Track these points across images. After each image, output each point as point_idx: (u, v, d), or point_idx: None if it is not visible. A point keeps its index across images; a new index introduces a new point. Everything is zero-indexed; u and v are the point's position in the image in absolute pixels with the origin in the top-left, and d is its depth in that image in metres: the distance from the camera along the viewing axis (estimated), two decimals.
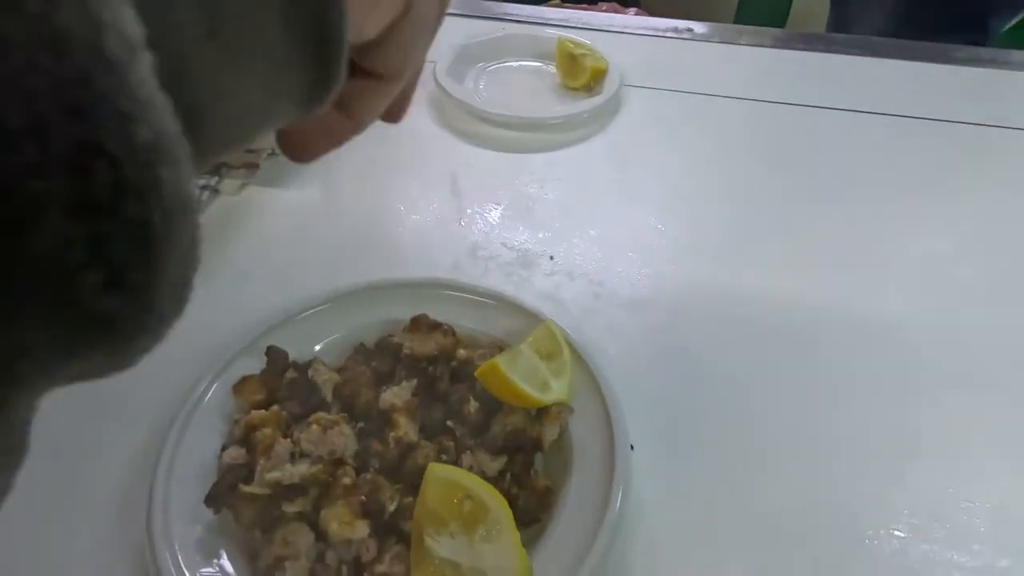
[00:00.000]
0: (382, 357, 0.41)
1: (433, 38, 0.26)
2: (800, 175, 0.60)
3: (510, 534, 0.31)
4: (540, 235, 0.54)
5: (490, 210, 0.56)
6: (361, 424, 0.38)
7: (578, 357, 0.40)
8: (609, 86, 0.67)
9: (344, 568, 0.32)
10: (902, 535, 0.36)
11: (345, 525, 0.32)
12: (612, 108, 0.67)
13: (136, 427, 0.39)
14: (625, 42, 0.78)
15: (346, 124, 0.25)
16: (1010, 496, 0.38)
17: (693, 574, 0.35)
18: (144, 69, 0.12)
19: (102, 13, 0.12)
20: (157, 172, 0.13)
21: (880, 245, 0.53)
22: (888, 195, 0.58)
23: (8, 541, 0.35)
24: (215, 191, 0.57)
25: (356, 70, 0.23)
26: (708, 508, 0.37)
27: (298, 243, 0.54)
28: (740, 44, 0.78)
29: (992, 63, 0.73)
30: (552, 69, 0.72)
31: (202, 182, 0.56)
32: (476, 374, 0.38)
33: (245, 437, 0.35)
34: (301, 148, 0.25)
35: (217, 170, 0.58)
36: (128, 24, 0.12)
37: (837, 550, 0.35)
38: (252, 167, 0.59)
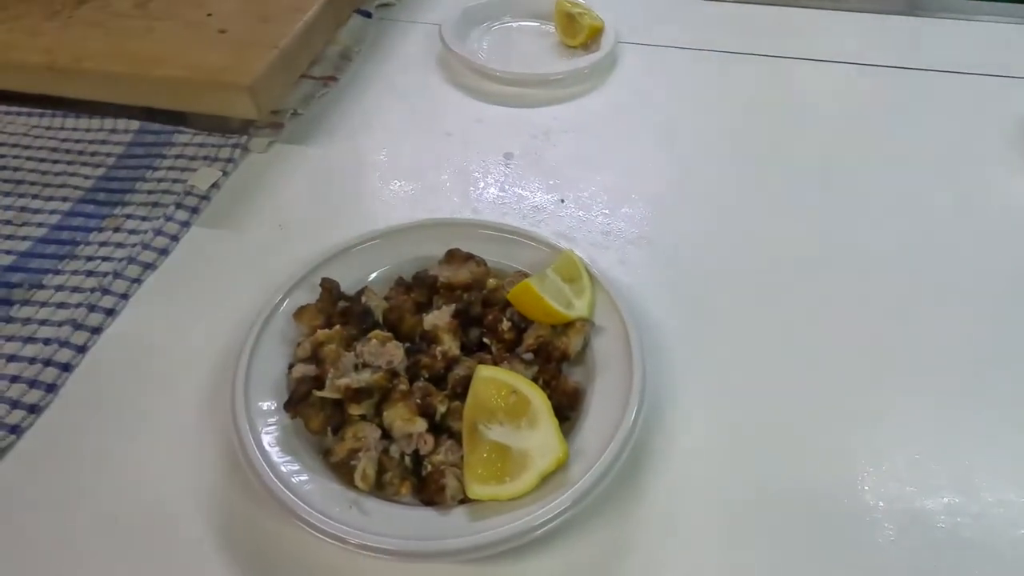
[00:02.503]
0: (420, 288, 0.46)
1: None
2: (787, 122, 0.65)
3: (550, 421, 0.37)
4: (550, 182, 0.59)
5: (502, 160, 0.61)
6: (407, 345, 0.43)
7: (596, 281, 0.45)
8: (606, 43, 0.71)
9: (406, 458, 0.38)
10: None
11: (406, 421, 0.38)
12: (609, 64, 0.71)
13: (205, 348, 0.45)
14: (619, 1, 0.82)
15: None
16: None
17: (703, 462, 0.40)
18: None
19: None
20: None
21: (869, 182, 0.58)
22: (873, 139, 0.63)
23: (104, 437, 0.40)
24: (245, 149, 0.61)
25: None
26: (715, 412, 0.43)
27: (323, 195, 0.58)
28: (728, 1, 0.82)
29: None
30: (551, 28, 0.76)
31: (232, 141, 0.60)
32: (508, 295, 0.43)
33: (313, 353, 0.40)
34: None
35: (245, 129, 0.62)
36: None
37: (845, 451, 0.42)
38: (278, 126, 0.63)
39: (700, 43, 0.74)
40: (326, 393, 0.38)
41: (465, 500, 0.36)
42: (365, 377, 0.38)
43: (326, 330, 0.40)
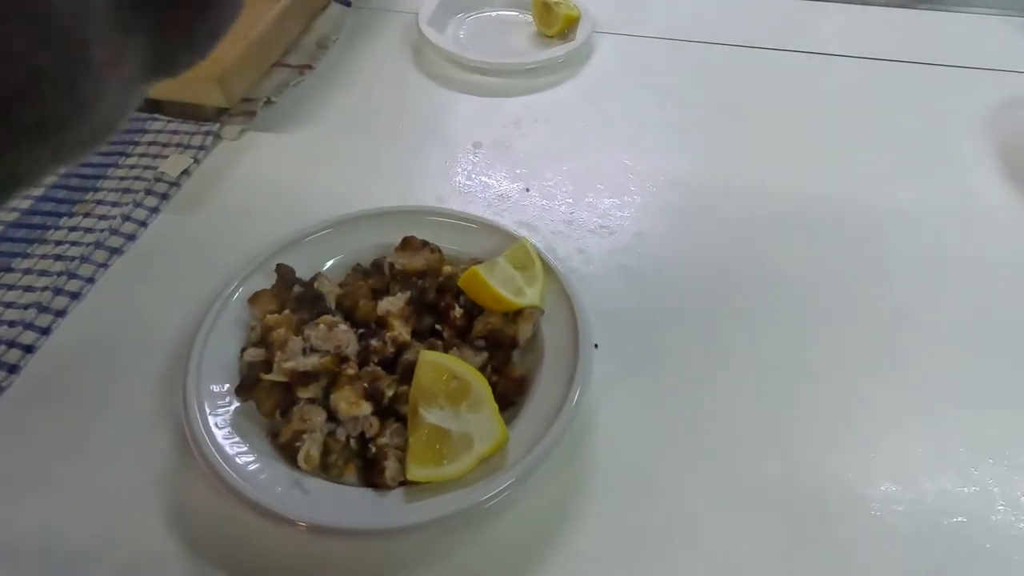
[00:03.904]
0: (377, 275, 0.47)
1: None
2: (759, 115, 0.65)
3: (489, 406, 0.37)
4: (517, 171, 0.59)
5: (470, 150, 0.61)
6: (361, 330, 0.43)
7: (549, 270, 0.46)
8: (582, 33, 0.71)
9: (352, 441, 0.39)
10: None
11: (352, 404, 0.38)
12: (584, 54, 0.71)
13: (165, 333, 0.46)
14: None
15: None
16: None
17: (642, 453, 0.41)
18: None
19: None
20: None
21: (848, 176, 0.59)
22: (854, 132, 0.63)
23: (62, 418, 0.41)
24: (217, 136, 0.61)
25: None
26: (662, 404, 0.43)
27: (293, 183, 0.58)
28: None
29: None
30: (528, 18, 0.76)
31: (205, 128, 0.61)
32: (459, 282, 0.43)
33: (263, 338, 0.41)
34: None
35: (218, 116, 0.62)
36: None
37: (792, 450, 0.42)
38: (250, 115, 0.63)
39: (678, 33, 0.74)
40: (273, 376, 0.39)
41: (407, 482, 0.37)
42: (312, 361, 0.39)
43: (276, 315, 0.41)
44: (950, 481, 0.39)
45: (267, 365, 0.40)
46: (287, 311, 0.42)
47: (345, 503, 0.35)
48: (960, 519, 0.38)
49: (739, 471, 0.40)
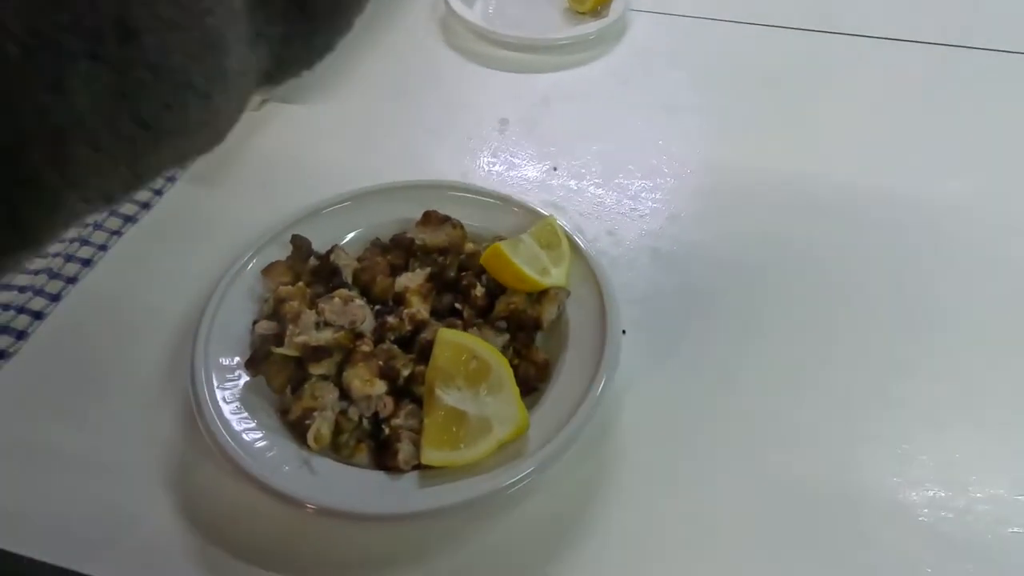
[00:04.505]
0: (396, 251, 0.45)
1: None
2: (800, 99, 0.62)
3: (511, 389, 0.35)
4: (545, 149, 0.57)
5: (497, 126, 0.59)
6: (378, 307, 0.41)
7: (576, 250, 0.43)
8: (615, 9, 0.68)
9: (364, 421, 0.37)
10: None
11: (366, 383, 0.36)
12: (618, 31, 0.69)
13: (177, 304, 0.44)
14: None
15: None
16: None
17: (669, 445, 0.38)
18: None
19: None
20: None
21: (887, 167, 0.55)
22: (896, 122, 0.59)
23: (67, 386, 0.40)
24: None
25: None
26: (690, 394, 0.41)
27: (312, 155, 0.57)
28: None
29: None
30: None
31: None
32: (480, 259, 0.41)
33: (275, 310, 0.39)
34: None
35: None
36: None
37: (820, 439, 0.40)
38: None
39: (717, 12, 0.71)
40: (284, 350, 0.37)
41: (421, 465, 0.35)
42: (326, 336, 0.37)
43: (289, 286, 0.39)
44: (1004, 487, 0.36)
45: (279, 338, 0.38)
46: (301, 283, 0.40)
47: (356, 485, 0.34)
48: (1016, 529, 0.35)
49: (770, 466, 0.37)
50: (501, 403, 0.35)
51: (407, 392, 0.38)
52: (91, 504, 0.36)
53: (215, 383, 0.37)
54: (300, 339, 0.37)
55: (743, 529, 0.35)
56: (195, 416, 0.36)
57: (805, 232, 0.50)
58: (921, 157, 0.55)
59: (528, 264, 0.40)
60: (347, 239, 0.45)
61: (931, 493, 0.36)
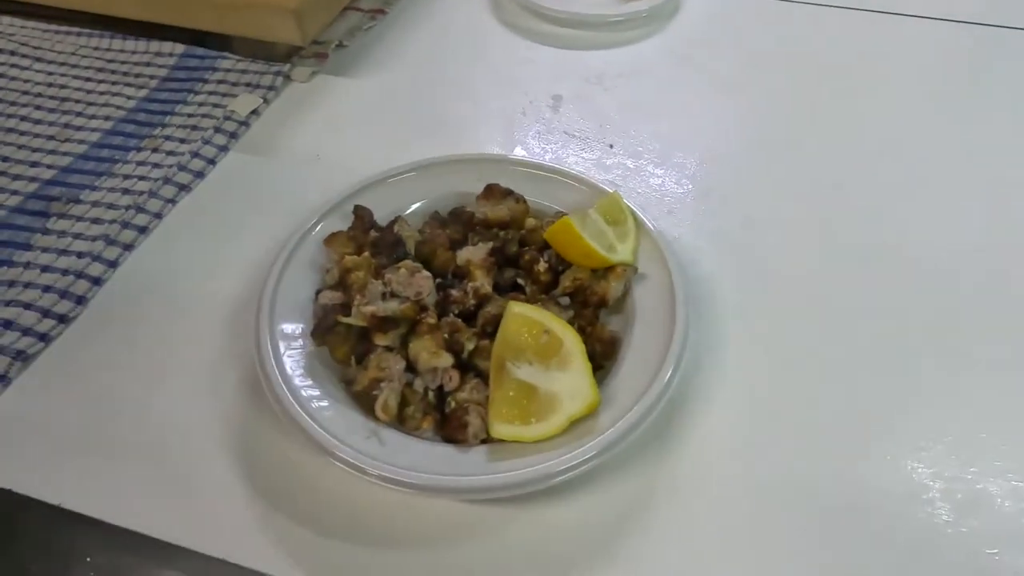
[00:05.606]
0: (455, 225, 0.44)
1: None
2: (864, 82, 0.60)
3: (582, 364, 0.34)
4: (600, 126, 0.56)
5: (550, 103, 0.58)
6: (440, 280, 0.41)
7: (642, 226, 0.42)
8: None
9: (430, 393, 0.36)
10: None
11: (432, 355, 0.36)
12: (671, 9, 0.67)
13: (231, 272, 0.44)
14: None
15: None
16: None
17: (738, 426, 0.37)
18: None
19: None
20: None
21: (946, 155, 0.54)
22: (960, 108, 0.58)
23: (128, 352, 0.40)
24: (288, 78, 0.59)
25: None
26: (757, 376, 0.40)
27: (363, 127, 0.56)
28: None
29: None
30: None
31: (275, 68, 0.58)
32: (545, 234, 0.40)
33: (340, 280, 0.39)
34: None
35: (289, 58, 0.60)
36: None
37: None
38: (322, 57, 0.61)
39: None
40: (351, 320, 0.36)
41: (488, 440, 0.35)
42: (392, 306, 0.37)
43: (355, 257, 0.39)
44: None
45: (344, 308, 0.38)
46: (366, 254, 0.40)
47: (426, 458, 0.33)
48: None
49: (845, 458, 0.36)
50: (572, 378, 0.34)
51: (470, 366, 0.38)
52: (154, 468, 0.36)
53: (281, 350, 0.36)
54: (368, 309, 0.36)
55: (820, 532, 0.34)
56: (261, 384, 0.36)
57: (882, 214, 0.48)
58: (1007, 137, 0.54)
59: (595, 239, 0.39)
60: (407, 211, 0.45)
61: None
